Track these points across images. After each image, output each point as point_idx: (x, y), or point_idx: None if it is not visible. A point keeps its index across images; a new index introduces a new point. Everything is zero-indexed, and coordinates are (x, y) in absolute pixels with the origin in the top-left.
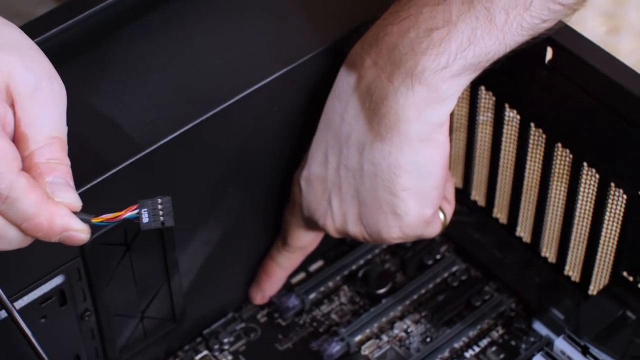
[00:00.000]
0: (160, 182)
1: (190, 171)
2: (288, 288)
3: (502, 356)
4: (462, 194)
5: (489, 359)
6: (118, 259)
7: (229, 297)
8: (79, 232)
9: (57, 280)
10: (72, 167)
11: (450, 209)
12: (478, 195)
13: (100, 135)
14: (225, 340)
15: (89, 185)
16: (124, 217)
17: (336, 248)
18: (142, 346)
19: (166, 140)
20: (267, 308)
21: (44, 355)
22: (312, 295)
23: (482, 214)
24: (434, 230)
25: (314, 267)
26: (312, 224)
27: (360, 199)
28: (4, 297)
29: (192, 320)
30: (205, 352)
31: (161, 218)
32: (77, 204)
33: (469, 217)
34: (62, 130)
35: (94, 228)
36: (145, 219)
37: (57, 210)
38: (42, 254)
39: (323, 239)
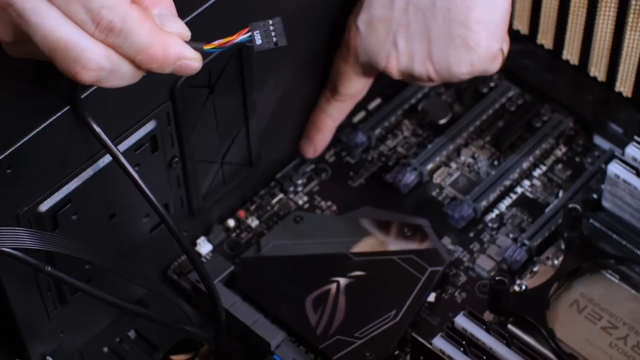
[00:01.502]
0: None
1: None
2: (352, 126)
3: (569, 172)
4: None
5: (557, 176)
6: (202, 101)
7: (297, 140)
8: (192, 60)
9: (150, 126)
10: None
11: (507, 45)
12: (521, 24)
13: None
14: (299, 182)
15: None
16: (236, 40)
17: (391, 85)
18: (222, 193)
19: None
20: (333, 148)
21: (152, 196)
22: (377, 131)
23: (527, 41)
24: (497, 64)
25: (372, 105)
26: (367, 69)
27: (430, 36)
28: (109, 143)
29: (266, 164)
30: (281, 195)
31: (274, 38)
32: (187, 32)
33: (515, 45)
34: None
35: (205, 55)
36: (258, 40)
37: (170, 40)
38: (136, 99)
39: (376, 77)
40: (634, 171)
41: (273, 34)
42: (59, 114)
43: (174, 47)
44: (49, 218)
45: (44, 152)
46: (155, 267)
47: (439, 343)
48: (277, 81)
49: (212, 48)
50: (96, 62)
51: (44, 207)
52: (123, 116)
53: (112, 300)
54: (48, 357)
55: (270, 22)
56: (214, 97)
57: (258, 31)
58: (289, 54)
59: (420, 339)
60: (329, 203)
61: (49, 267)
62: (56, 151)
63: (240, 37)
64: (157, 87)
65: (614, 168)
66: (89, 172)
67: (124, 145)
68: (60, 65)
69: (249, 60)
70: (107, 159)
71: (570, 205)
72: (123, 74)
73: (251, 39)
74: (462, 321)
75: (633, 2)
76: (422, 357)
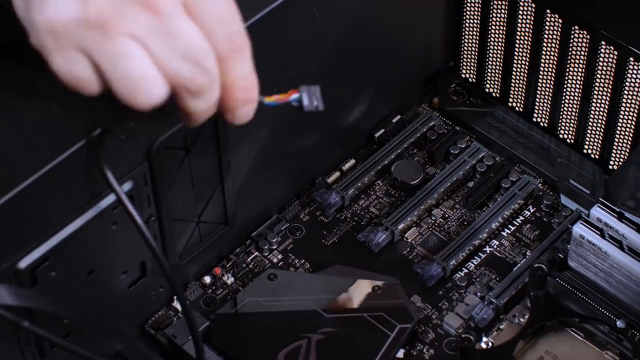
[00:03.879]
0: None
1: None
2: (326, 187)
3: (537, 232)
4: (477, 87)
5: (525, 236)
6: (179, 162)
7: (272, 199)
8: (254, 108)
9: (127, 186)
10: None
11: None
12: (492, 87)
13: None
14: (274, 240)
15: None
16: (289, 98)
17: (365, 147)
18: (198, 251)
19: None
20: (308, 207)
21: (154, 244)
22: (351, 191)
23: (498, 104)
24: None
25: (347, 165)
26: None
27: None
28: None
29: (241, 223)
30: (256, 253)
31: (315, 102)
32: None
33: (487, 108)
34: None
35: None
36: (305, 102)
37: (256, 81)
38: (114, 160)
39: (352, 139)
40: (598, 232)
41: (315, 97)
42: (40, 174)
43: (255, 90)
44: (28, 274)
45: (24, 210)
46: (133, 322)
47: None
48: (253, 142)
49: (271, 102)
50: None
51: (23, 263)
52: (100, 176)
53: (88, 356)
54: None
55: (316, 87)
56: (190, 158)
57: (306, 94)
58: (266, 115)
59: None
60: (303, 261)
61: (27, 323)
62: (36, 209)
63: (292, 96)
64: (134, 149)
65: (579, 229)
66: (68, 230)
67: (103, 204)
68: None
69: (224, 122)
70: (86, 217)
71: (536, 265)
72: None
73: (299, 100)
74: None
75: (599, 67)
76: None
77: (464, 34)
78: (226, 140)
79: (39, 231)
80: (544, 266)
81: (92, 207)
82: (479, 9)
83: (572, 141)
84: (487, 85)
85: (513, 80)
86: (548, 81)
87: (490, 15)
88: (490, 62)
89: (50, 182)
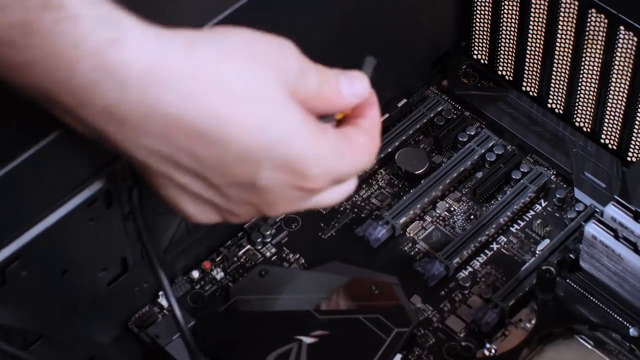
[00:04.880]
0: None
1: None
2: None
3: (548, 228)
4: (489, 69)
5: (535, 232)
6: None
7: None
8: None
9: (102, 183)
10: None
11: None
12: (505, 70)
13: None
14: (267, 233)
15: None
16: None
17: None
18: (185, 245)
19: None
20: None
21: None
22: None
23: (510, 88)
24: None
25: None
26: None
27: None
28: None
29: None
30: (248, 247)
31: None
32: None
33: (498, 92)
34: None
35: None
36: None
37: None
38: (88, 154)
39: None
40: (612, 233)
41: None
42: (9, 167)
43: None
44: None
45: None
46: (116, 319)
47: None
48: None
49: None
50: None
51: None
52: (72, 172)
53: None
54: None
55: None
56: None
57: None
58: None
59: None
60: (297, 256)
61: None
62: (5, 206)
63: None
64: None
65: (591, 229)
66: (39, 227)
67: (77, 200)
68: None
69: None
70: (59, 213)
71: (544, 267)
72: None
73: None
74: None
75: (618, 52)
76: None
77: (475, 11)
78: None
79: (8, 228)
80: (552, 268)
81: (66, 203)
82: None
83: (588, 130)
84: (500, 68)
85: (527, 63)
86: (563, 65)
87: None
88: (503, 43)
89: (20, 177)
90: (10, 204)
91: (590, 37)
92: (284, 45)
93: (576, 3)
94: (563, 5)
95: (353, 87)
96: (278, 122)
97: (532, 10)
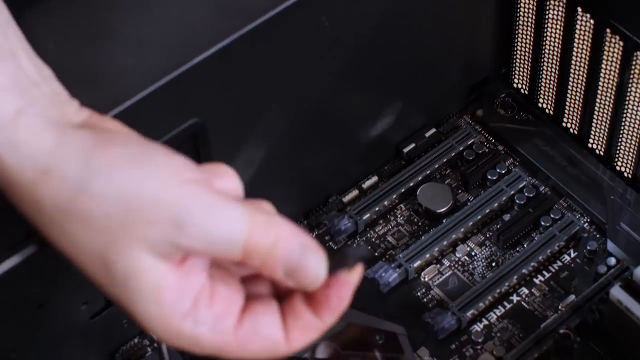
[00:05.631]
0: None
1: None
2: (339, 208)
3: (574, 282)
4: (529, 100)
5: (561, 286)
6: None
7: None
8: None
9: None
10: None
11: None
12: (546, 102)
13: None
14: None
15: None
16: None
17: (391, 163)
18: None
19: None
20: (317, 230)
21: None
22: (366, 216)
23: (551, 123)
24: None
25: (367, 183)
26: None
27: None
28: None
29: None
30: None
31: None
32: None
33: (536, 127)
34: None
35: None
36: None
37: None
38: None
39: (377, 153)
40: None
41: None
42: None
43: None
44: None
45: None
46: (102, 352)
47: None
48: (246, 162)
49: None
50: None
51: None
52: None
53: None
54: None
55: None
56: None
57: None
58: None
59: None
60: None
61: None
62: None
63: None
64: None
65: (617, 292)
66: (8, 264)
67: None
68: None
69: (204, 142)
70: (31, 249)
71: (562, 331)
72: None
73: None
74: None
75: None
76: None
77: (517, 35)
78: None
79: None
80: (570, 333)
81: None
82: (534, 9)
83: (629, 175)
84: (540, 100)
85: (569, 97)
86: (606, 103)
87: (547, 19)
88: (544, 73)
89: None
90: None
91: (636, 78)
92: None
93: (621, 43)
94: (607, 44)
95: None
96: None
97: (575, 42)
